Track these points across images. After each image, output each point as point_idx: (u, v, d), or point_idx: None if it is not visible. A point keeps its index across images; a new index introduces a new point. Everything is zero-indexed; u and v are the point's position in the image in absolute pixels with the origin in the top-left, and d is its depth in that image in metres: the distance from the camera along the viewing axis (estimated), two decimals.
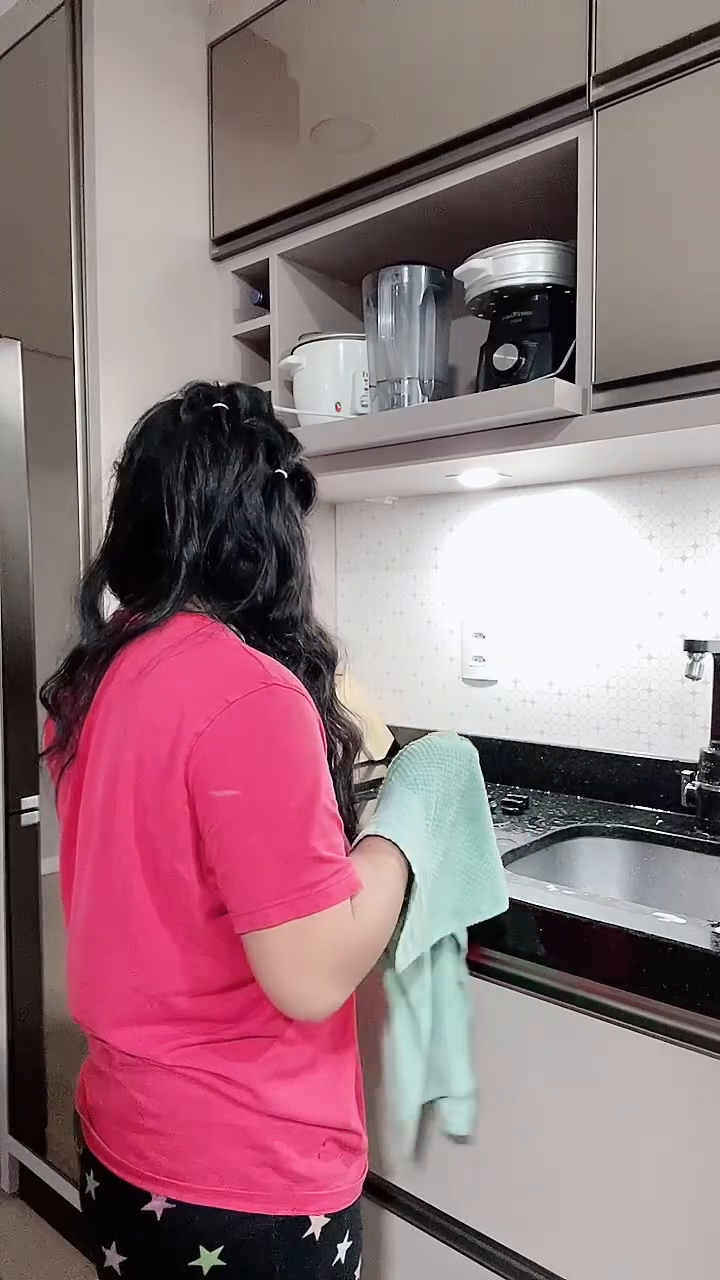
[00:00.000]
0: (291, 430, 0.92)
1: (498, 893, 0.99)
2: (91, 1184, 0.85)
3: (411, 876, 0.88)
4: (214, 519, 0.81)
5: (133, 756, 0.77)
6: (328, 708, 0.85)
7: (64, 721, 0.87)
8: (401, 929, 0.89)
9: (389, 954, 0.93)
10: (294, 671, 0.80)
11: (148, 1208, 0.79)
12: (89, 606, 0.88)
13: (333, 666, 0.87)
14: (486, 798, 0.99)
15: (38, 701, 0.93)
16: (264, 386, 1.58)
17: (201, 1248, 0.78)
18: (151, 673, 0.78)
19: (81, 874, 0.84)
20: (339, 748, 0.86)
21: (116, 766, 0.79)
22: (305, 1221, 0.81)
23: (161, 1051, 0.80)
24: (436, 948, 1.00)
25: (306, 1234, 0.81)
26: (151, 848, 0.77)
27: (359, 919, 0.77)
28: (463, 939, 1.01)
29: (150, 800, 0.76)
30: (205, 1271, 0.78)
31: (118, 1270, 0.82)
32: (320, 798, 0.75)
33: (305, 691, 0.78)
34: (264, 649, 0.81)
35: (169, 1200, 0.78)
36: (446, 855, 0.96)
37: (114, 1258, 0.82)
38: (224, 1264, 0.78)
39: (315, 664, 0.85)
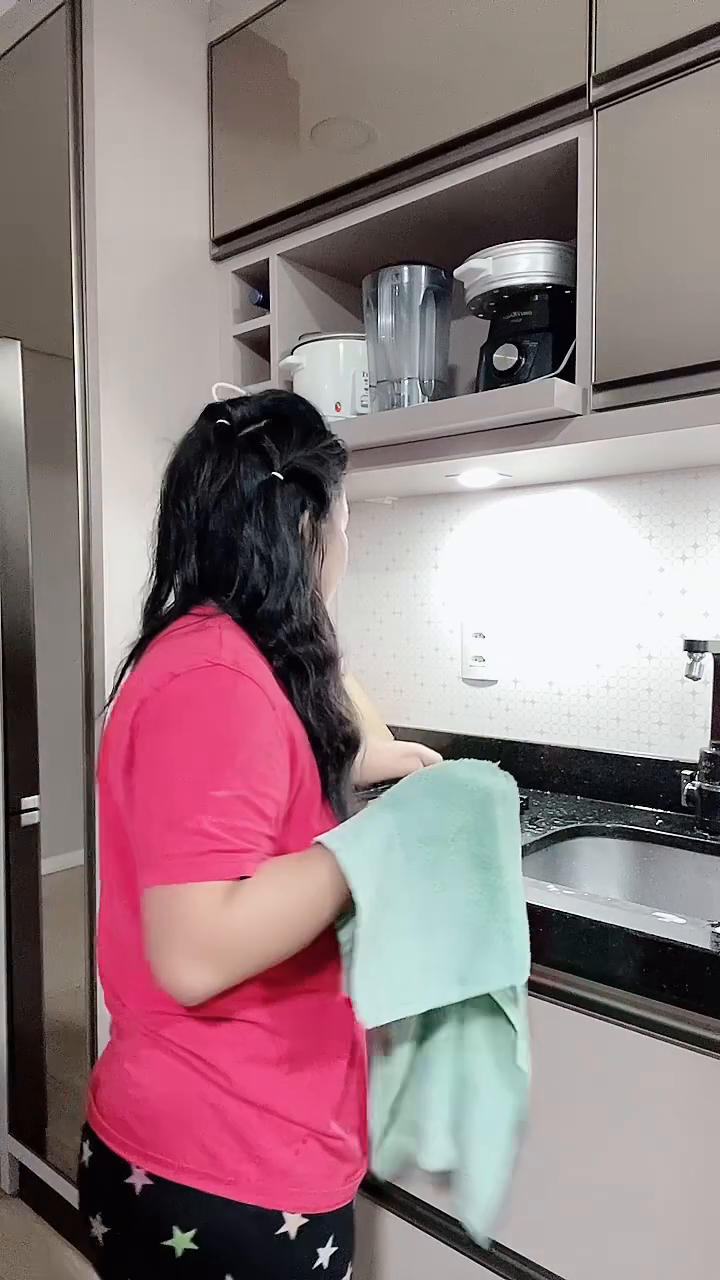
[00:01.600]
0: None
1: (514, 960, 0.80)
2: (86, 1154, 0.87)
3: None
4: (195, 535, 0.88)
5: (106, 731, 0.85)
6: (313, 706, 0.85)
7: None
8: (353, 963, 0.77)
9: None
10: (274, 665, 0.83)
11: (128, 1180, 0.80)
12: (150, 612, 0.95)
13: (322, 666, 0.87)
14: (513, 847, 0.82)
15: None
16: (264, 387, 1.58)
17: (175, 1228, 0.78)
18: (141, 657, 0.86)
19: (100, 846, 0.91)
20: (328, 748, 0.86)
21: (104, 741, 0.87)
22: (279, 1218, 0.81)
23: (146, 1013, 0.82)
24: (472, 1012, 0.85)
25: (280, 1230, 0.81)
26: (113, 813, 0.83)
27: (237, 907, 0.72)
28: (515, 1018, 0.83)
29: (112, 770, 0.82)
30: (178, 1253, 0.78)
31: (101, 1241, 0.83)
32: (230, 779, 0.74)
33: (259, 679, 0.80)
34: (256, 642, 0.84)
35: (148, 1175, 0.80)
36: (444, 903, 0.80)
37: (99, 1228, 0.83)
38: (196, 1248, 0.78)
39: (299, 661, 0.85)
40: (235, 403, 0.92)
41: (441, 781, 0.82)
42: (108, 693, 0.93)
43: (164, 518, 0.92)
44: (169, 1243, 0.78)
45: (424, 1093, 0.86)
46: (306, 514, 0.90)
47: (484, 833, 0.81)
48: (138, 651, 0.91)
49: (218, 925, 0.72)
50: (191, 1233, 0.78)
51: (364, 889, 0.76)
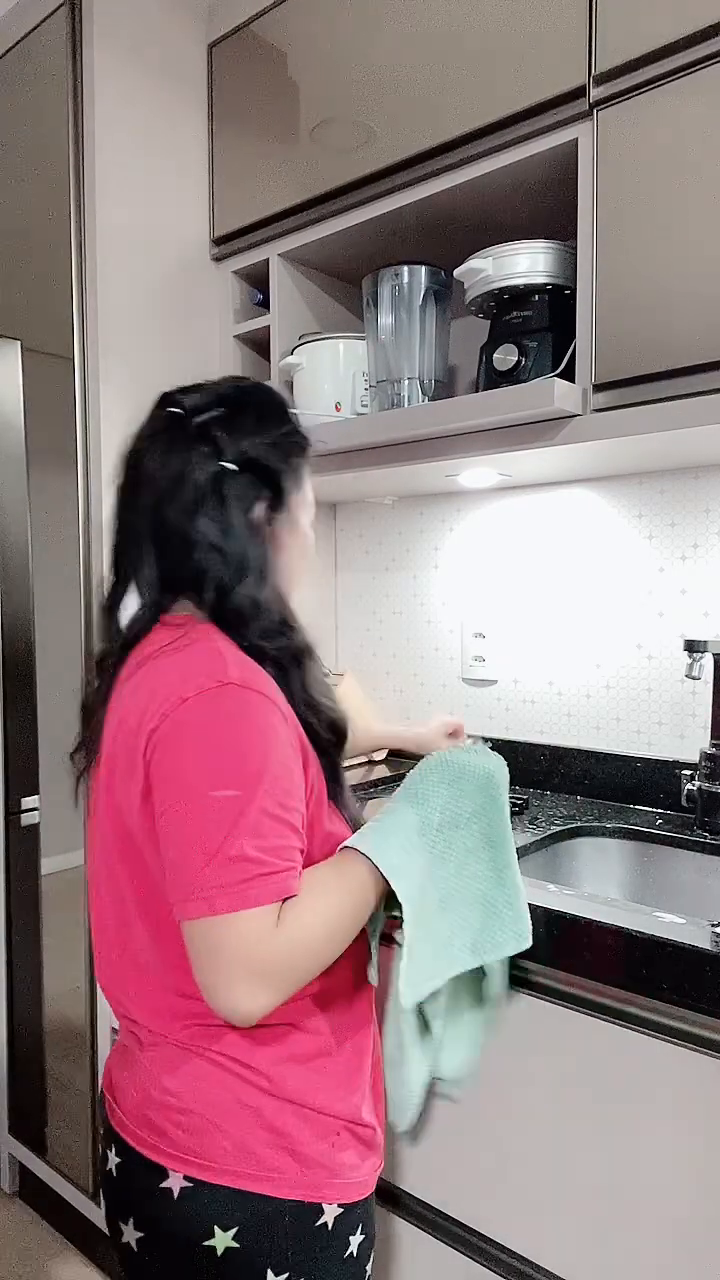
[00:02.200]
0: None
1: (520, 927, 0.89)
2: (113, 1161, 0.86)
3: (396, 900, 0.83)
4: (150, 530, 0.85)
5: (110, 755, 0.83)
6: (304, 702, 0.84)
7: (88, 726, 0.91)
8: (400, 960, 0.84)
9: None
10: (263, 666, 0.81)
11: (165, 1184, 0.80)
12: (108, 614, 0.91)
13: (299, 660, 0.85)
14: (509, 823, 0.90)
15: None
16: None
17: (216, 1228, 0.79)
18: (135, 675, 0.83)
19: (91, 862, 0.88)
20: (322, 740, 0.85)
21: (105, 765, 0.84)
22: (318, 1209, 0.82)
23: (177, 1028, 0.82)
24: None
25: (319, 1222, 0.82)
26: (128, 839, 0.81)
27: (286, 926, 0.74)
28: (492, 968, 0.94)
29: (121, 795, 0.81)
30: (219, 1252, 0.78)
31: (133, 1246, 0.83)
32: (259, 798, 0.74)
33: (269, 692, 0.79)
34: (239, 645, 0.82)
35: (187, 1178, 0.80)
36: (460, 882, 0.88)
37: (130, 1234, 0.83)
38: (237, 1245, 0.79)
39: (278, 659, 0.83)
40: (188, 389, 0.88)
41: (450, 770, 0.88)
42: None
43: (119, 512, 0.88)
44: (210, 1243, 0.79)
45: (454, 1026, 0.95)
46: (261, 506, 0.86)
47: (492, 814, 0.88)
48: (111, 666, 0.88)
49: (272, 948, 0.74)
50: (233, 1231, 0.79)
51: (406, 888, 0.82)
